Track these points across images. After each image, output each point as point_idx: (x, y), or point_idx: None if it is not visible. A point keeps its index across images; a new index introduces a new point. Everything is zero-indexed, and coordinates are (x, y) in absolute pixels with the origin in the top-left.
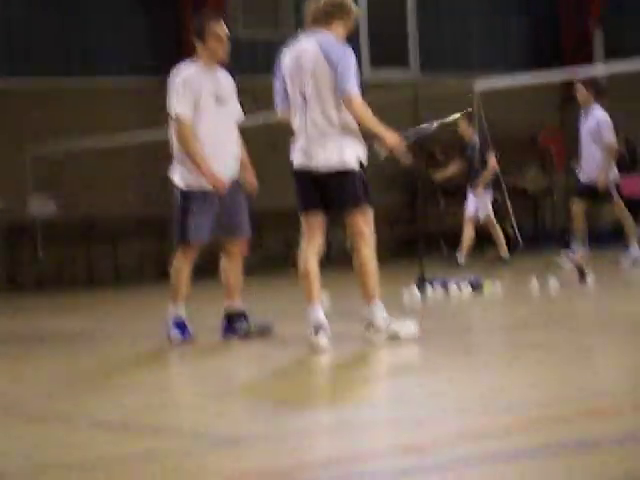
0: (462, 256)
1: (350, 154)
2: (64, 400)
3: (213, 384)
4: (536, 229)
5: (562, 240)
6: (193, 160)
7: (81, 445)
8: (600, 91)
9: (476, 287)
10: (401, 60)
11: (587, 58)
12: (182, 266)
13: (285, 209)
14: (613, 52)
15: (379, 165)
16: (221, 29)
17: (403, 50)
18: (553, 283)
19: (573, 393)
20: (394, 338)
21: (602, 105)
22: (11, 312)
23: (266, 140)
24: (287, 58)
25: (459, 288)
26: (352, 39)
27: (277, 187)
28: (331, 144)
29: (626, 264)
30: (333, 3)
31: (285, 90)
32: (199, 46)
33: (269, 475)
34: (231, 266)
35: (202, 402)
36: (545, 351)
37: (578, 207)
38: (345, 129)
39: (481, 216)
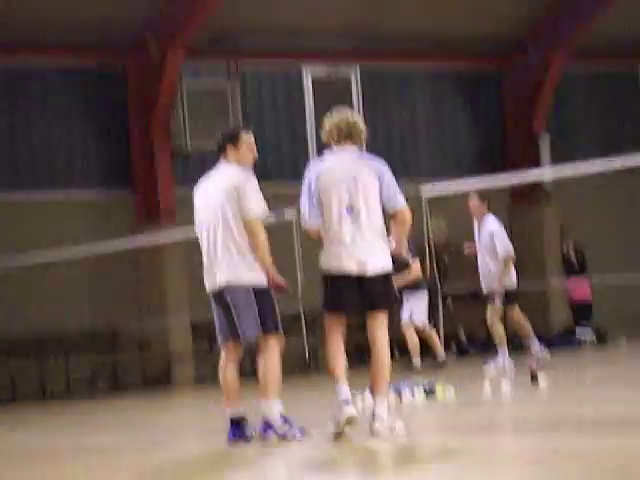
0: (417, 361)
1: (389, 260)
2: None
3: None
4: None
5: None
6: (267, 263)
7: None
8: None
9: (429, 392)
10: None
11: (534, 163)
12: (278, 359)
13: None
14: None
15: None
16: (251, 139)
17: None
18: (505, 387)
19: None
20: (392, 431)
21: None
22: None
23: None
24: (323, 172)
25: (412, 394)
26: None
27: None
28: (377, 251)
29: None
30: (361, 123)
31: (317, 204)
32: (232, 152)
33: None
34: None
35: None
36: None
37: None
38: (383, 237)
39: (416, 322)
